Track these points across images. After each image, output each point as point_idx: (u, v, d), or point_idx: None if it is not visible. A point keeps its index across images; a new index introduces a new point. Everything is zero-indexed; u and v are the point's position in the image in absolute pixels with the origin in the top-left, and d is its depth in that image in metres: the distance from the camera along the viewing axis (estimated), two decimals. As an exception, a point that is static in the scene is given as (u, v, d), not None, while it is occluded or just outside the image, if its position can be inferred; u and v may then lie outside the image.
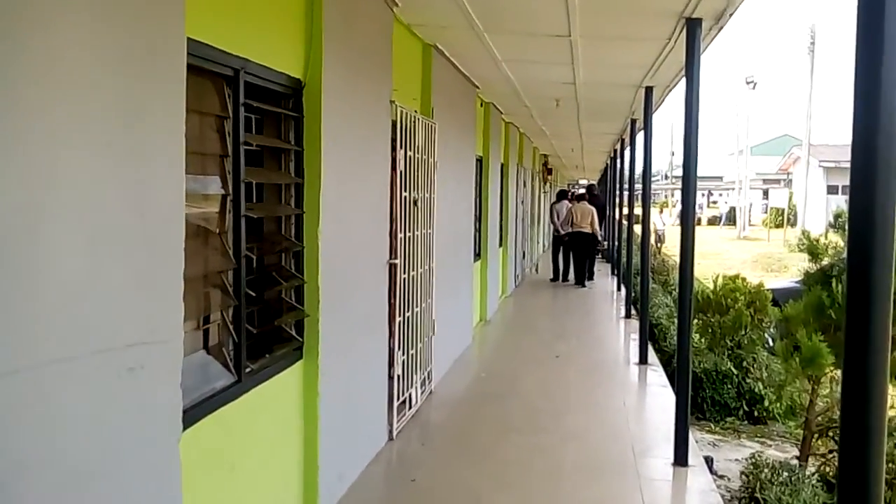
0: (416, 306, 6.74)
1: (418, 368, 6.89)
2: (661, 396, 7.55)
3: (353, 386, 5.08)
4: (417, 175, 6.61)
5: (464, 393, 7.57)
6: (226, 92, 3.61)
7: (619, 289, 15.70)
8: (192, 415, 3.25)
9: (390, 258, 5.88)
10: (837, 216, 7.51)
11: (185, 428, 3.15)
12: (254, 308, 4.16)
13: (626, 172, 15.19)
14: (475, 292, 10.96)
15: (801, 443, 5.60)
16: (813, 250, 5.67)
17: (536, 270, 19.58)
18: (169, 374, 2.85)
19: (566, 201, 17.32)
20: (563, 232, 16.31)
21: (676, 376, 5.62)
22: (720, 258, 30.00)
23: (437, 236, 7.42)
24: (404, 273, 6.20)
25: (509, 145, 14.42)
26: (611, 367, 8.82)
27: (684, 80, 5.91)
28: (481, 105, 11.20)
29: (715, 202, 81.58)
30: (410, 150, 6.33)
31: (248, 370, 3.76)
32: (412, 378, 6.66)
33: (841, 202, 46.83)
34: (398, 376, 6.11)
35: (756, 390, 8.00)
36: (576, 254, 16.35)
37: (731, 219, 56.04)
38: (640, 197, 22.56)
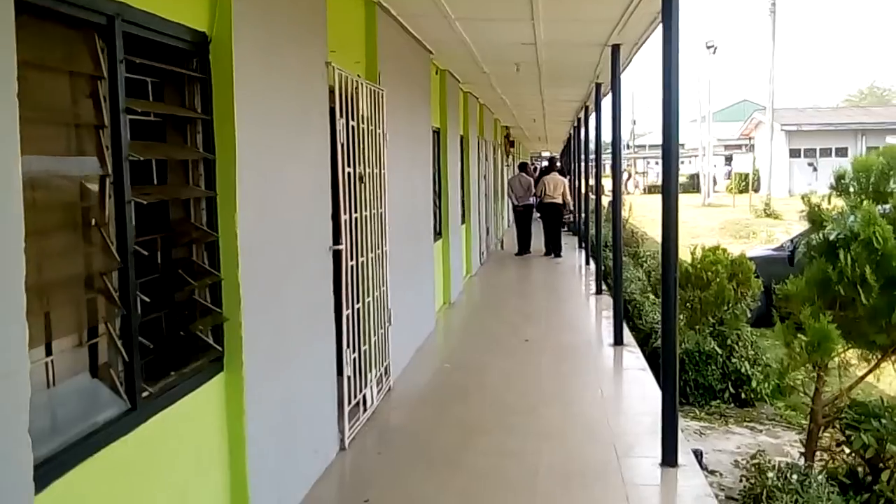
0: (368, 296, 6.01)
1: (374, 364, 6.17)
2: (640, 383, 6.91)
3: (291, 395, 4.35)
4: (364, 148, 5.86)
5: (426, 388, 6.88)
6: (98, 45, 2.83)
7: (587, 263, 15.10)
8: (63, 461, 2.53)
9: (334, 244, 5.14)
10: (840, 177, 6.90)
11: (50, 481, 2.44)
12: (159, 314, 3.43)
13: (592, 141, 14.52)
14: (437, 274, 10.25)
15: (806, 437, 4.99)
16: (815, 217, 5.00)
17: (502, 246, 18.92)
18: (10, 417, 2.11)
19: (524, 174, 17.46)
20: (518, 204, 16.75)
21: (662, 369, 4.96)
22: (687, 226, 29.52)
23: (391, 216, 6.69)
24: (352, 260, 5.46)
25: (469, 116, 13.69)
26: (584, 351, 8.18)
27: (658, 30, 5.23)
28: (437, 73, 10.44)
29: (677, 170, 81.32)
30: (353, 119, 5.57)
31: (145, 394, 3.01)
32: (367, 376, 5.95)
33: (831, 163, 46.70)
34: (349, 377, 5.40)
35: (742, 370, 7.39)
36: (546, 225, 16.51)
37: (694, 185, 55.81)
38: (606, 167, 22.06)
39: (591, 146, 15.70)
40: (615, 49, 8.20)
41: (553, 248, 16.37)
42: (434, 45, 8.56)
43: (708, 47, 50.62)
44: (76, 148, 2.83)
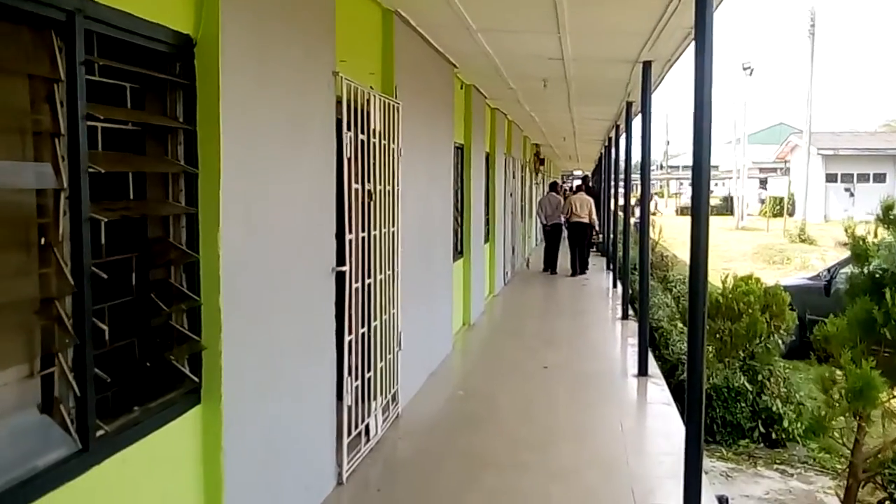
0: (376, 319, 5.68)
1: (380, 392, 5.84)
2: (664, 418, 6.51)
3: (280, 428, 4.02)
4: (375, 164, 5.55)
5: (436, 417, 6.52)
6: (55, 44, 2.54)
7: (614, 285, 14.67)
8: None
9: (337, 265, 4.82)
10: (889, 208, 6.45)
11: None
12: (130, 342, 3.13)
13: (622, 160, 14.13)
14: (457, 294, 9.91)
15: (844, 493, 4.57)
16: (859, 251, 4.57)
17: (528, 266, 18.53)
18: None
19: (554, 193, 17.44)
20: (547, 223, 16.80)
21: (687, 408, 4.55)
22: (719, 250, 28.93)
23: (404, 235, 6.37)
24: (357, 281, 5.14)
25: (496, 133, 13.37)
26: (606, 381, 7.77)
27: (691, 47, 4.84)
28: (461, 87, 10.14)
29: (711, 191, 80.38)
30: (364, 133, 5.26)
31: (100, 433, 2.70)
32: (370, 405, 5.61)
33: (868, 189, 45.67)
34: (349, 406, 5.06)
35: (774, 409, 6.95)
36: (573, 244, 16.57)
37: (727, 208, 54.99)
38: (636, 187, 21.57)
39: (622, 165, 15.34)
40: (646, 66, 7.83)
41: (580, 268, 16.40)
42: (457, 57, 8.26)
43: (744, 69, 50.08)
44: (28, 157, 2.53)
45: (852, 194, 46.95)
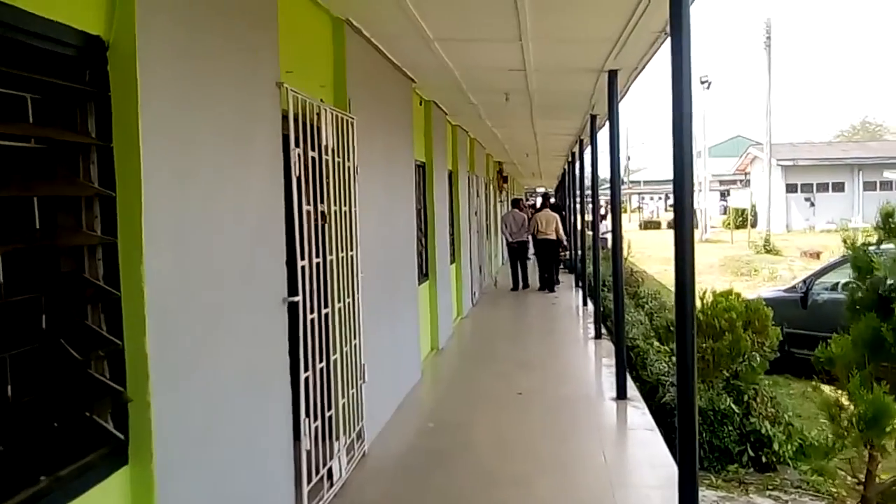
0: (335, 352, 5.23)
1: (343, 430, 5.37)
2: (648, 446, 6.11)
3: (226, 483, 3.54)
4: (328, 183, 5.12)
5: (406, 454, 6.05)
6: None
7: (584, 303, 14.33)
8: None
9: (289, 295, 4.36)
10: (888, 215, 6.16)
11: None
12: (39, 397, 2.65)
13: (588, 175, 13.83)
14: (423, 319, 9.48)
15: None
16: (862, 262, 4.19)
17: (495, 285, 18.14)
18: None
19: (517, 210, 17.37)
20: (512, 240, 16.73)
21: (679, 444, 4.16)
22: (686, 263, 28.82)
23: (364, 258, 5.93)
24: (312, 312, 4.69)
25: (458, 151, 13.00)
26: (584, 406, 7.36)
27: (658, 54, 4.54)
28: (421, 103, 9.76)
29: (672, 205, 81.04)
30: (314, 149, 4.83)
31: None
32: (332, 446, 5.15)
33: (828, 198, 46.02)
34: (308, 451, 4.59)
35: (762, 431, 6.58)
36: (542, 260, 16.65)
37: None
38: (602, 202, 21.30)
39: (588, 181, 15.07)
40: (612, 75, 7.51)
41: (547, 284, 16.50)
42: (415, 71, 7.87)
43: (702, 82, 50.41)
44: None
45: (813, 204, 47.41)
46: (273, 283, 4.20)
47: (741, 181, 57.41)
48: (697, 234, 47.12)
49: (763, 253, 30.88)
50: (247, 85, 3.92)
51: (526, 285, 16.81)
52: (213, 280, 3.46)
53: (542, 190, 37.18)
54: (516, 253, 16.92)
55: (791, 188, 47.57)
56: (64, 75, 2.71)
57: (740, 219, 45.74)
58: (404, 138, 8.19)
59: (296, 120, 4.50)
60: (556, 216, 16.58)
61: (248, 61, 3.96)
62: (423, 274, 9.95)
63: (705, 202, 49.60)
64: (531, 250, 17.17)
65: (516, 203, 18.46)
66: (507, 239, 17.01)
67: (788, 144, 51.64)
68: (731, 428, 6.59)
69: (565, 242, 17.69)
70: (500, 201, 23.85)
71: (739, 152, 58.44)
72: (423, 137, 9.92)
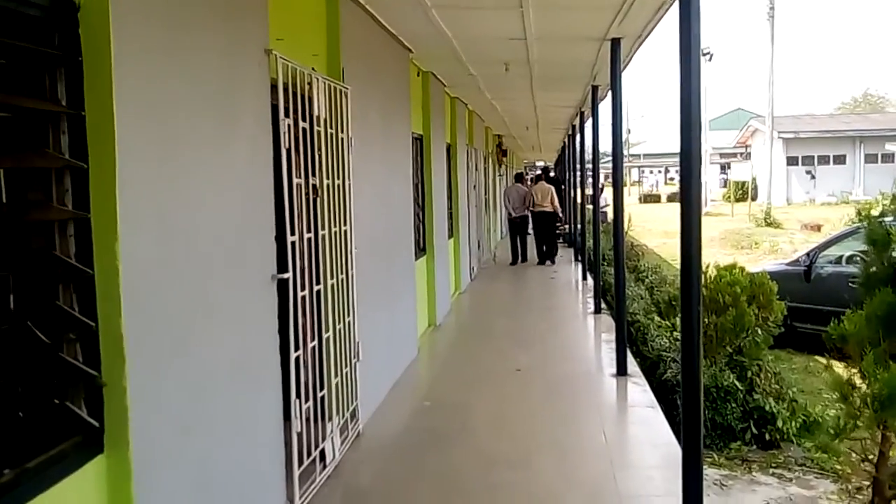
0: (328, 330, 5.07)
1: (336, 411, 5.23)
2: (649, 424, 5.98)
3: (209, 469, 3.39)
4: (321, 155, 4.94)
5: (401, 434, 5.92)
6: None
7: (584, 277, 14.17)
8: None
9: (278, 272, 4.19)
10: None
11: None
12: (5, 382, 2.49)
13: (588, 148, 13.62)
14: (421, 294, 9.32)
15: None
16: (878, 236, 4.00)
17: (494, 260, 17.97)
18: None
19: (520, 184, 17.42)
20: (515, 214, 16.64)
21: (683, 421, 4.03)
22: (686, 236, 28.63)
23: (359, 234, 5.76)
24: (303, 289, 4.53)
25: (456, 123, 12.78)
26: (583, 383, 7.23)
27: (664, 21, 4.34)
28: (418, 74, 9.53)
29: (672, 179, 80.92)
30: (305, 120, 4.64)
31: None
32: (326, 427, 5.01)
33: (829, 171, 45.81)
34: (298, 432, 4.44)
35: (766, 407, 6.44)
36: (539, 233, 16.68)
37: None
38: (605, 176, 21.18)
39: (588, 154, 14.89)
40: (615, 44, 7.29)
41: (546, 257, 16.61)
42: (412, 41, 7.65)
43: (704, 54, 49.95)
44: None
45: (813, 177, 47.16)
46: (261, 259, 4.03)
47: (742, 154, 57.04)
48: (697, 207, 46.90)
49: (764, 226, 30.67)
50: (232, 51, 3.73)
51: (525, 259, 16.86)
52: (195, 257, 3.29)
53: (541, 164, 36.95)
54: (517, 227, 16.90)
55: (792, 161, 47.26)
56: (31, 38, 2.52)
57: (740, 192, 45.49)
58: (401, 110, 7.99)
59: (285, 89, 4.31)
60: (552, 188, 16.72)
61: (234, 26, 3.76)
62: (421, 249, 9.79)
63: (706, 175, 49.33)
64: (531, 224, 17.22)
65: (519, 177, 18.45)
66: (509, 213, 17.00)
67: (790, 117, 51.24)
68: (734, 405, 6.45)
69: (561, 214, 17.79)
70: (500, 175, 23.64)
71: (740, 125, 58.04)
72: (420, 109, 9.70)
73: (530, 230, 17.28)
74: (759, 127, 47.67)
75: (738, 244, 24.52)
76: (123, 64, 2.71)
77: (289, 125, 4.30)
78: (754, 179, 46.29)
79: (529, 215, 16.74)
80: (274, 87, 4.18)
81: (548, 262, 16.45)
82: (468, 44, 7.79)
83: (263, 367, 4.02)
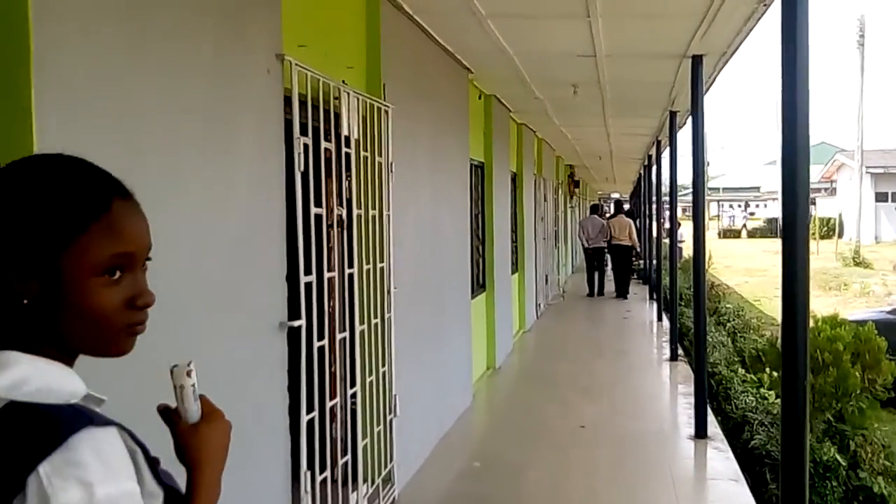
0: (354, 385, 4.36)
1: (365, 477, 4.50)
2: (734, 503, 5.08)
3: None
4: (349, 181, 4.27)
5: (443, 502, 5.15)
6: None
7: (659, 318, 13.19)
8: None
9: (288, 319, 3.51)
10: None
11: None
12: None
13: (666, 178, 12.73)
14: (479, 334, 8.56)
15: None
16: None
17: (563, 296, 17.08)
18: None
19: (596, 216, 17.36)
20: (589, 245, 16.67)
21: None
22: (768, 275, 27.17)
23: (398, 271, 5.06)
24: (321, 339, 3.82)
25: (523, 151, 12.05)
26: (656, 446, 6.33)
27: (754, 33, 3.57)
28: (480, 97, 8.86)
29: (753, 213, 78.66)
30: (329, 140, 3.98)
31: None
32: (348, 497, 4.28)
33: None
34: (311, 509, 3.71)
35: (875, 489, 5.46)
36: (616, 267, 16.64)
37: (773, 230, 53.07)
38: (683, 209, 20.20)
39: (665, 186, 14.02)
40: (696, 61, 6.49)
41: (620, 291, 16.41)
42: (469, 58, 6.98)
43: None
44: None
45: (905, 214, 44.84)
46: (265, 304, 3.35)
47: (826, 189, 54.84)
48: (779, 244, 45.08)
49: (852, 265, 28.98)
50: (230, 52, 3.07)
51: (602, 292, 16.75)
52: (173, 304, 2.62)
53: (616, 195, 35.93)
54: (592, 258, 16.92)
55: (881, 197, 45.05)
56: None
57: (825, 228, 43.48)
58: (458, 134, 7.30)
59: (303, 103, 3.66)
60: (630, 222, 16.61)
61: (233, 22, 3.12)
62: (480, 285, 9.04)
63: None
64: (608, 257, 17.15)
65: (595, 209, 18.47)
66: (583, 244, 16.98)
67: (878, 151, 48.97)
68: (834, 483, 5.48)
69: (639, 249, 17.60)
70: (571, 207, 22.77)
71: (824, 159, 55.80)
72: (481, 135, 9.02)
73: (607, 262, 17.20)
74: (846, 161, 45.72)
75: (826, 285, 23.04)
76: (48, 56, 2.07)
77: (305, 145, 3.63)
78: (840, 216, 44.24)
79: (606, 247, 16.58)
80: (287, 99, 3.53)
81: (623, 297, 16.18)
82: (531, 62, 7.07)
83: (266, 433, 3.32)
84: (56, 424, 1.00)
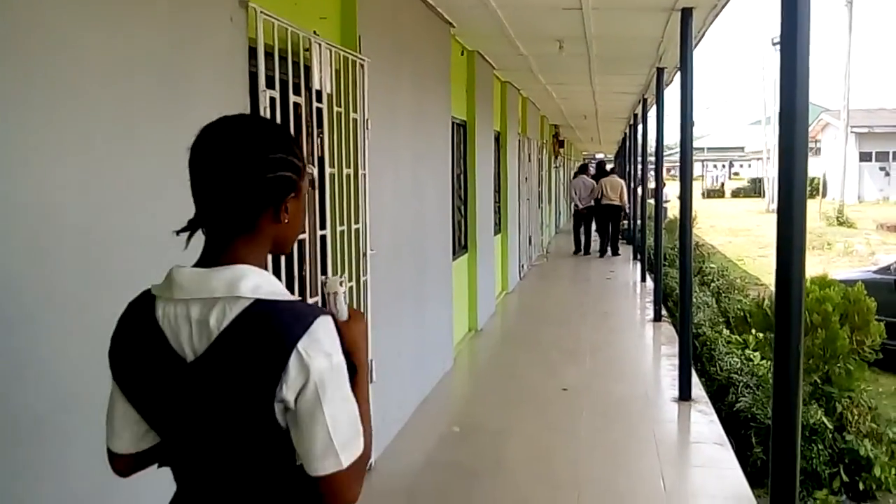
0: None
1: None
2: (717, 468, 4.99)
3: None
4: (320, 138, 4.05)
5: (421, 469, 5.02)
6: None
7: (643, 279, 13.09)
8: None
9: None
10: None
11: None
12: None
13: (652, 138, 12.54)
14: (460, 296, 8.41)
15: None
16: None
17: (546, 257, 16.95)
18: None
19: (585, 176, 17.44)
20: (581, 206, 16.92)
21: (772, 477, 3.08)
22: (752, 235, 27.19)
23: (375, 232, 4.88)
24: (292, 303, 3.64)
25: (507, 110, 11.79)
26: (640, 409, 6.22)
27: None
28: (462, 53, 8.60)
29: (737, 173, 78.73)
30: (299, 94, 3.76)
31: None
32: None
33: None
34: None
35: (861, 451, 5.38)
36: (603, 226, 16.77)
37: (756, 190, 53.11)
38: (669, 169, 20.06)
39: (651, 146, 13.83)
40: (686, 14, 6.27)
41: (611, 248, 16.74)
42: (451, 11, 6.73)
43: (774, 44, 47.92)
44: None
45: (888, 173, 44.96)
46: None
47: (812, 149, 54.83)
48: (763, 204, 45.12)
49: (836, 225, 29.00)
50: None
51: (588, 251, 17.14)
52: (128, 275, 2.43)
53: (600, 156, 35.71)
54: (583, 218, 17.21)
55: (865, 157, 45.22)
56: None
57: (810, 188, 43.54)
58: (439, 92, 7.07)
59: (269, 54, 3.43)
60: (622, 182, 16.71)
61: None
62: (462, 246, 8.88)
63: (772, 171, 47.42)
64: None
65: (584, 169, 18.42)
66: (576, 204, 17.23)
67: (863, 111, 48.91)
68: (821, 446, 5.39)
69: (627, 209, 17.62)
70: (556, 167, 22.55)
71: (810, 119, 55.77)
72: (464, 93, 8.78)
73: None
74: (831, 121, 45.64)
75: (810, 245, 22.86)
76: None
77: (272, 98, 3.42)
78: (824, 176, 44.26)
79: (594, 206, 16.85)
80: (252, 51, 3.31)
81: (610, 255, 16.55)
82: (515, 15, 6.83)
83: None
84: (302, 314, 1.41)
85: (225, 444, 1.43)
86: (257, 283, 1.41)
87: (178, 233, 1.50)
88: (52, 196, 2.19)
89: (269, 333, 1.36)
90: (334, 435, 1.38)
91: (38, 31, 2.12)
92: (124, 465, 1.57)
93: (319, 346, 1.37)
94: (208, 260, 1.46)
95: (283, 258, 3.46)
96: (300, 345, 1.35)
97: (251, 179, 1.44)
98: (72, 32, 2.26)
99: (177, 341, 1.42)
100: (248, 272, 1.42)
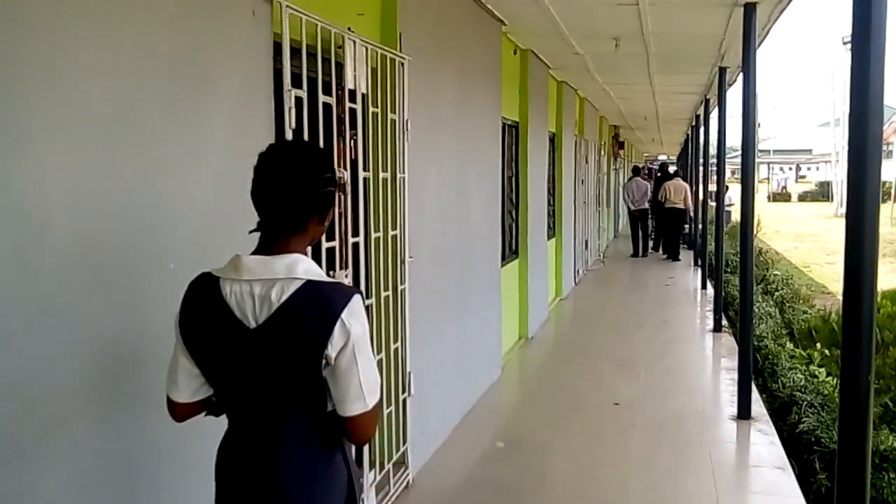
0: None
1: (370, 461, 4.16)
2: (779, 493, 4.65)
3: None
4: (353, 140, 3.86)
5: (461, 485, 4.79)
6: None
7: (703, 286, 12.64)
8: None
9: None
10: None
11: None
12: None
13: (714, 140, 12.09)
14: (510, 303, 8.15)
15: None
16: None
17: (603, 261, 16.54)
18: None
19: (639, 178, 17.31)
20: (634, 208, 16.89)
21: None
22: (819, 241, 26.27)
23: (415, 238, 4.67)
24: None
25: (563, 111, 11.49)
26: (695, 428, 5.89)
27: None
28: (515, 52, 8.35)
29: (804, 176, 76.69)
30: (329, 94, 3.56)
31: None
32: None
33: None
34: None
35: (939, 481, 4.99)
36: (668, 229, 16.63)
37: (824, 194, 51.52)
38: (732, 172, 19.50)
39: (713, 147, 13.39)
40: (749, 9, 5.91)
41: (671, 253, 16.51)
42: (501, 7, 6.50)
43: (844, 43, 46.38)
44: None
45: (966, 177, 43.13)
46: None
47: (884, 152, 53.02)
48: (831, 208, 43.69)
49: (910, 231, 27.83)
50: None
51: (646, 253, 17.09)
52: (160, 285, 2.26)
53: (662, 157, 35.00)
54: (637, 220, 17.10)
55: (942, 160, 43.39)
56: None
57: (882, 192, 41.95)
58: (489, 92, 6.83)
59: (297, 50, 3.24)
60: (686, 185, 16.43)
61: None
62: (513, 251, 8.62)
63: (841, 174, 45.85)
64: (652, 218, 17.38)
65: (637, 171, 18.15)
66: (629, 206, 17.18)
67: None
68: (892, 475, 5.00)
69: (692, 213, 17.05)
70: (615, 169, 22.07)
71: (883, 120, 53.91)
72: (516, 93, 8.52)
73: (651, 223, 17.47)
74: (906, 121, 43.95)
75: (881, 252, 22.07)
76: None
77: (298, 98, 3.23)
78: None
79: (649, 208, 16.86)
80: (277, 46, 3.12)
81: (672, 259, 16.29)
82: (569, 12, 6.55)
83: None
84: (343, 291, 1.84)
85: (276, 392, 1.82)
86: (308, 267, 1.84)
87: (251, 232, 1.89)
88: (70, 206, 2.02)
89: (320, 305, 1.78)
90: (364, 384, 1.80)
91: (43, 36, 1.95)
92: (181, 412, 1.95)
93: (357, 316, 1.80)
94: (264, 251, 1.86)
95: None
96: (343, 314, 1.77)
97: (309, 195, 1.86)
98: (76, 33, 2.09)
99: (241, 312, 1.81)
100: (301, 259, 1.85)
